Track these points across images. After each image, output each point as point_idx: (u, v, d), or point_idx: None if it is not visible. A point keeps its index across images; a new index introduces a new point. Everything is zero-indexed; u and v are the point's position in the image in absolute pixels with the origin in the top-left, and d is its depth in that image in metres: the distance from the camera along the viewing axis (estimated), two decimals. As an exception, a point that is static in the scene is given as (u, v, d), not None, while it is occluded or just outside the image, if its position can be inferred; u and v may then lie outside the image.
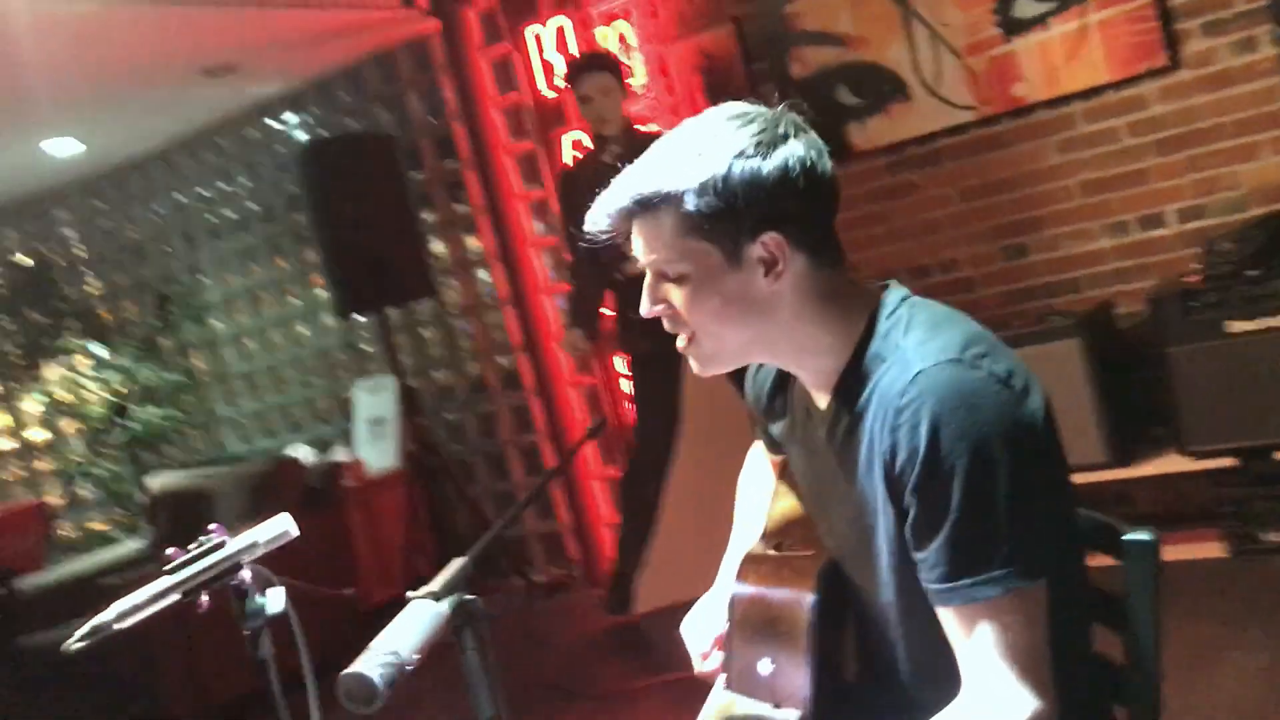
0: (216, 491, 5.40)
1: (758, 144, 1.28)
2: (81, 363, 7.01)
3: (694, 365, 1.40)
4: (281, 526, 1.31)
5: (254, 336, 6.99)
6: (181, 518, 5.51)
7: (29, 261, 7.39)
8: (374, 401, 6.24)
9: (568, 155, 5.02)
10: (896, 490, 1.26)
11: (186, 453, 7.22)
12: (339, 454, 6.11)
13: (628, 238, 1.36)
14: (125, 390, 6.79)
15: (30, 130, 5.84)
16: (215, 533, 1.30)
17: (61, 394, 6.86)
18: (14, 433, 7.36)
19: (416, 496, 5.69)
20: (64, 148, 6.18)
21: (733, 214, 1.28)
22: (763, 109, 1.33)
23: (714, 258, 1.31)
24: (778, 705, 1.35)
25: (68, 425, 7.11)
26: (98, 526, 6.98)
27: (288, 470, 5.36)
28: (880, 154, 4.42)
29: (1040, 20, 3.98)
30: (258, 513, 5.14)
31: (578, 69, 4.50)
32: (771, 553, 1.47)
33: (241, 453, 6.91)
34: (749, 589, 1.41)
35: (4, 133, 5.77)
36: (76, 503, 7.22)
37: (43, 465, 7.39)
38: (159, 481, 5.90)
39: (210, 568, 1.29)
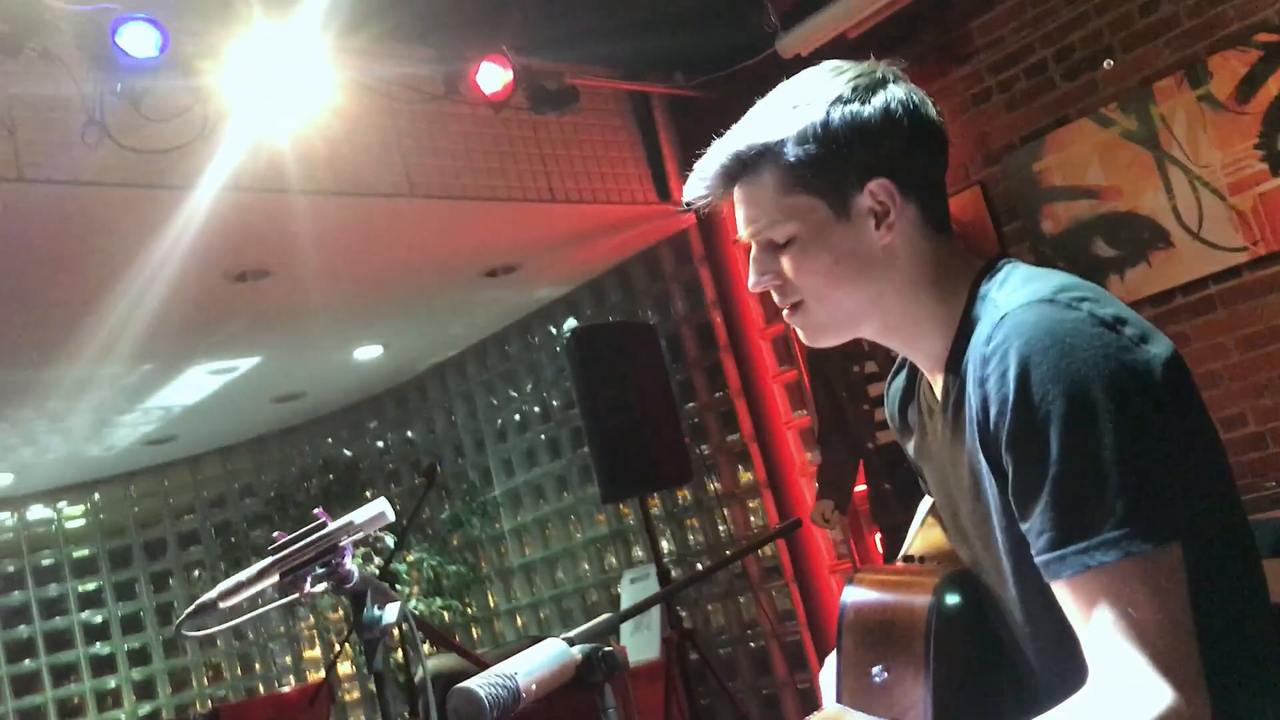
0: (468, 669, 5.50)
1: (855, 89, 1.23)
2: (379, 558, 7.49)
3: (802, 335, 1.31)
4: (378, 508, 1.34)
5: (533, 532, 7.25)
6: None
7: (348, 453, 8.11)
8: (637, 591, 6.25)
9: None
10: (994, 451, 1.11)
11: (467, 644, 7.45)
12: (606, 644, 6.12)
13: (721, 204, 1.30)
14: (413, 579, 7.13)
15: (345, 340, 6.55)
16: (319, 516, 1.34)
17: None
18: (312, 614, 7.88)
19: (675, 688, 5.56)
20: (370, 354, 6.85)
21: (836, 162, 1.21)
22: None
23: (821, 212, 1.22)
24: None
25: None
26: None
27: (547, 649, 5.39)
28: (1145, 305, 4.15)
29: (1311, 150, 3.71)
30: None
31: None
32: (896, 565, 1.34)
33: (512, 642, 7.05)
34: (864, 594, 1.28)
35: (326, 342, 6.49)
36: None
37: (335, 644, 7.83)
38: (432, 664, 6.10)
39: (310, 546, 1.32)
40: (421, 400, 7.87)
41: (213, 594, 1.32)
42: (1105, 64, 4.20)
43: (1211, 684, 1.00)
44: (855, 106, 1.21)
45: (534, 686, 1.49)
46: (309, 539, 1.32)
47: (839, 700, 1.27)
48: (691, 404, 6.05)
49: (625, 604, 6.37)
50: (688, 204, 1.33)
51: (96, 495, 8.40)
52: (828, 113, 1.21)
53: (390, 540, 7.06)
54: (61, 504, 8.40)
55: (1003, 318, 1.11)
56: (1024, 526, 1.09)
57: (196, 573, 8.38)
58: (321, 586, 1.39)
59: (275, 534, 1.35)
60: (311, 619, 8.13)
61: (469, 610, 7.46)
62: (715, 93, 5.13)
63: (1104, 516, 1.02)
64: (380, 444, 8.30)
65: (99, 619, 8.20)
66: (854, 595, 1.29)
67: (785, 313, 1.31)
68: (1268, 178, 3.81)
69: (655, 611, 6.02)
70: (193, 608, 1.30)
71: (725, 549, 6.07)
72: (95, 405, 6.29)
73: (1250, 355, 3.94)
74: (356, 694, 7.95)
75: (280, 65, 3.75)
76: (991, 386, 1.09)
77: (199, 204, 3.87)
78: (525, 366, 7.13)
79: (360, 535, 1.33)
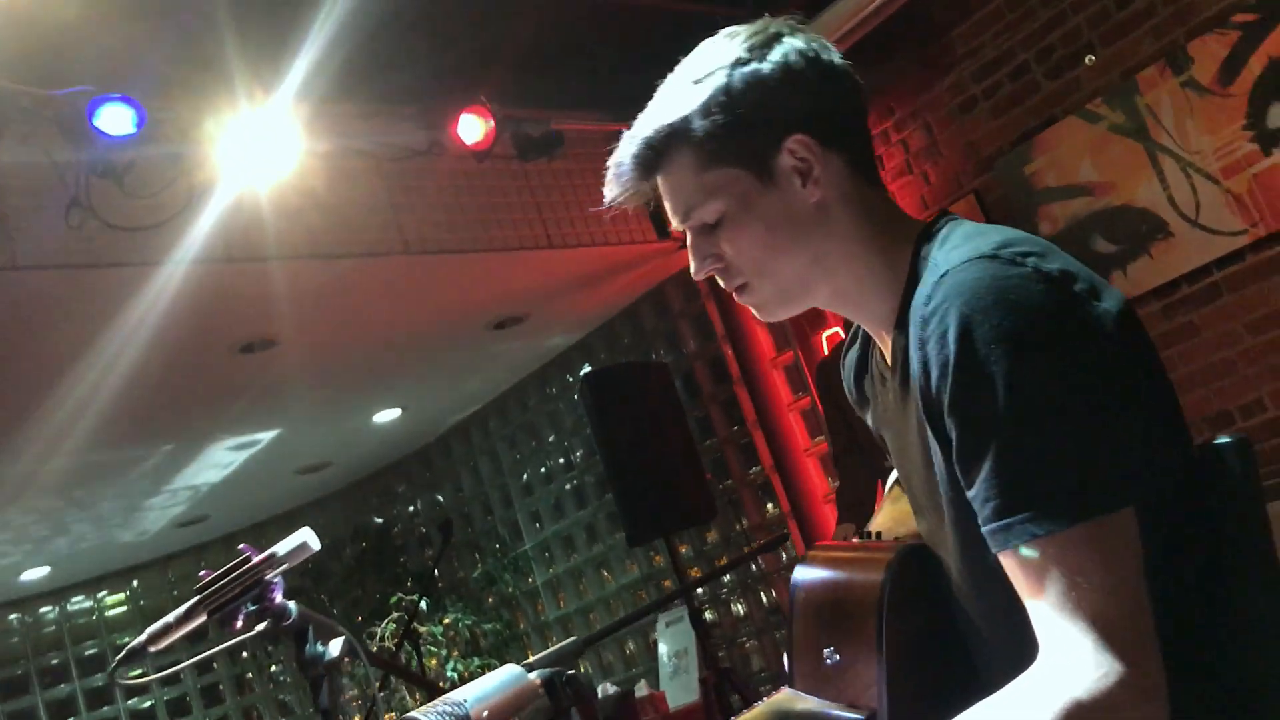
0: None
1: (750, 48, 1.19)
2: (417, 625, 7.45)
3: (757, 314, 1.27)
4: (301, 538, 1.31)
5: (565, 583, 7.19)
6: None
7: (379, 520, 8.10)
8: (673, 635, 6.17)
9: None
10: (936, 416, 1.05)
11: (509, 704, 7.37)
12: (641, 689, 6.03)
13: (654, 202, 1.26)
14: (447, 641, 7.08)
15: (363, 405, 6.57)
16: (244, 550, 1.31)
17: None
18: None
19: (717, 729, 5.46)
20: (390, 416, 6.86)
21: (747, 127, 1.17)
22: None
23: (744, 182, 1.18)
24: (852, 705, 1.14)
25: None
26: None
27: (579, 700, 5.31)
28: (1151, 298, 4.07)
29: (1301, 125, 3.64)
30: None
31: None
32: (852, 541, 1.29)
33: (552, 696, 6.96)
34: (815, 573, 1.23)
35: (343, 409, 6.52)
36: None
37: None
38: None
39: (234, 582, 1.29)
40: (446, 460, 7.87)
41: (142, 638, 1.30)
42: (1087, 60, 4.17)
43: (1167, 654, 0.95)
44: (754, 66, 1.18)
45: (485, 714, 1.45)
46: (232, 575, 1.30)
47: (792, 685, 1.21)
48: (710, 440, 6.00)
49: (663, 650, 6.28)
50: (609, 204, 1.28)
51: (135, 582, 8.44)
52: (728, 78, 1.18)
53: (424, 603, 7.04)
54: (101, 593, 8.45)
55: (942, 276, 1.05)
56: (969, 495, 1.03)
57: (244, 653, 8.38)
58: (264, 624, 1.36)
59: (201, 572, 1.33)
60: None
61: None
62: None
63: (1051, 482, 0.96)
64: (411, 508, 8.30)
65: (146, 704, 8.21)
66: (804, 575, 1.24)
67: (736, 294, 1.26)
68: (1260, 158, 3.74)
69: (692, 653, 5.93)
70: (123, 654, 1.28)
71: (758, 585, 5.99)
72: (121, 490, 6.34)
73: (1262, 339, 3.85)
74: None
75: (262, 134, 3.79)
76: (932, 349, 1.04)
77: (190, 277, 3.90)
78: (545, 417, 7.12)
79: (285, 567, 1.31)
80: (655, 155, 1.22)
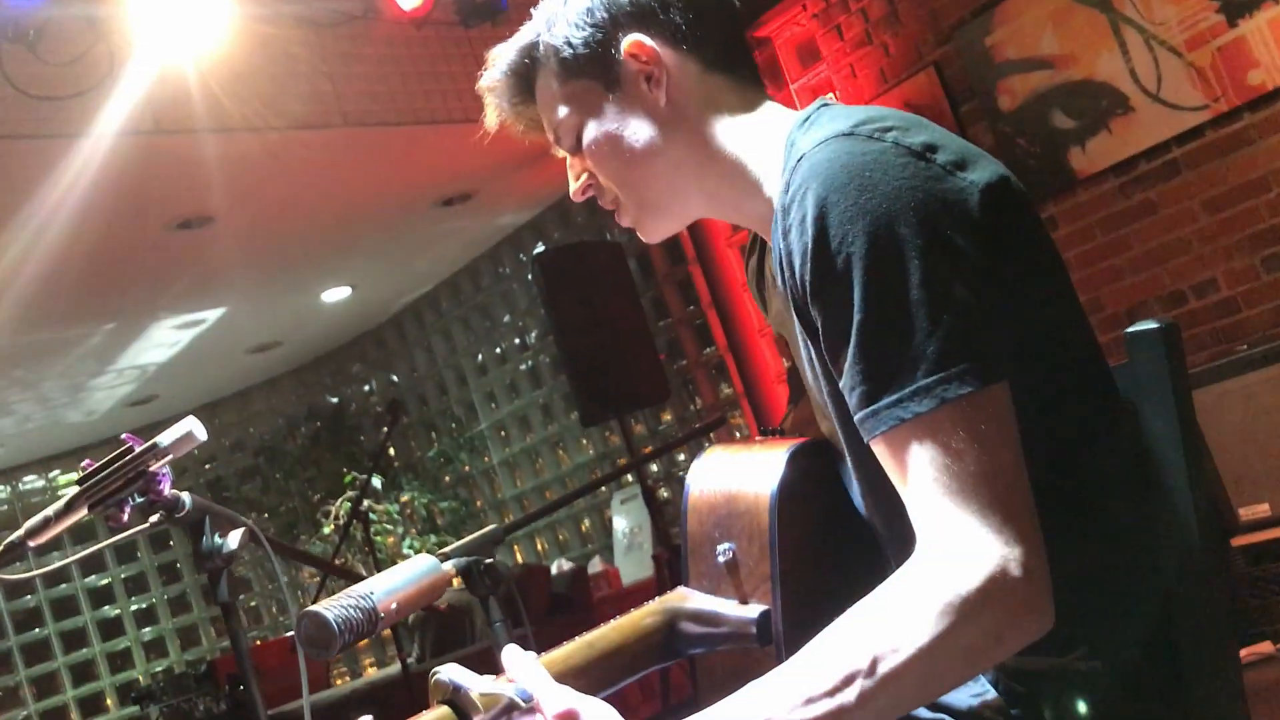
0: (471, 604, 5.47)
1: None
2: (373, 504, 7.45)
3: (641, 235, 1.23)
4: (186, 428, 1.23)
5: (522, 462, 7.19)
6: (444, 632, 5.62)
7: (334, 399, 8.04)
8: (628, 511, 6.21)
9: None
10: (803, 306, 1.00)
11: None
12: (595, 566, 6.09)
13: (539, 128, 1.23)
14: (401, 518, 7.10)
15: (309, 283, 6.43)
16: (127, 440, 1.24)
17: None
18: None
19: (669, 604, 5.54)
20: (339, 295, 6.73)
21: (594, 36, 1.15)
22: None
23: (595, 92, 1.16)
24: (743, 601, 1.09)
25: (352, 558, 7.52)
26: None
27: (534, 578, 5.36)
28: (1109, 175, 4.00)
29: (1268, -5, 3.53)
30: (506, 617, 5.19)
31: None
32: (751, 439, 1.23)
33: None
34: (709, 471, 1.17)
35: (289, 287, 6.38)
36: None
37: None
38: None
39: (116, 474, 1.22)
40: (400, 340, 7.78)
41: (20, 533, 1.22)
42: (1053, -75, 4.00)
43: (1050, 532, 0.90)
44: None
45: (394, 605, 1.39)
46: (114, 466, 1.22)
47: (686, 583, 1.16)
48: (665, 320, 5.93)
49: (617, 527, 6.33)
50: (490, 130, 1.26)
51: (86, 461, 8.33)
52: None
53: (378, 482, 7.03)
54: (54, 472, 8.38)
55: (799, 160, 1.00)
56: (840, 385, 0.98)
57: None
58: (155, 517, 1.29)
59: (84, 462, 1.25)
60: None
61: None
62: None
63: (916, 362, 0.90)
64: (366, 388, 8.24)
65: (104, 582, 8.22)
66: (699, 472, 1.18)
67: (616, 216, 1.23)
68: (1225, 30, 3.63)
69: (646, 530, 5.98)
70: (2, 547, 1.21)
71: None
72: (63, 370, 6.21)
73: (1217, 217, 3.79)
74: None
75: (185, -4, 3.59)
76: (794, 237, 0.98)
77: (117, 149, 3.73)
78: (499, 297, 7.02)
79: (170, 457, 1.23)
80: (519, 78, 1.21)
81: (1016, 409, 0.92)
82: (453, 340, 7.38)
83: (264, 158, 4.34)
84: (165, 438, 1.22)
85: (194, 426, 1.22)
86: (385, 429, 6.94)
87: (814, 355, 1.05)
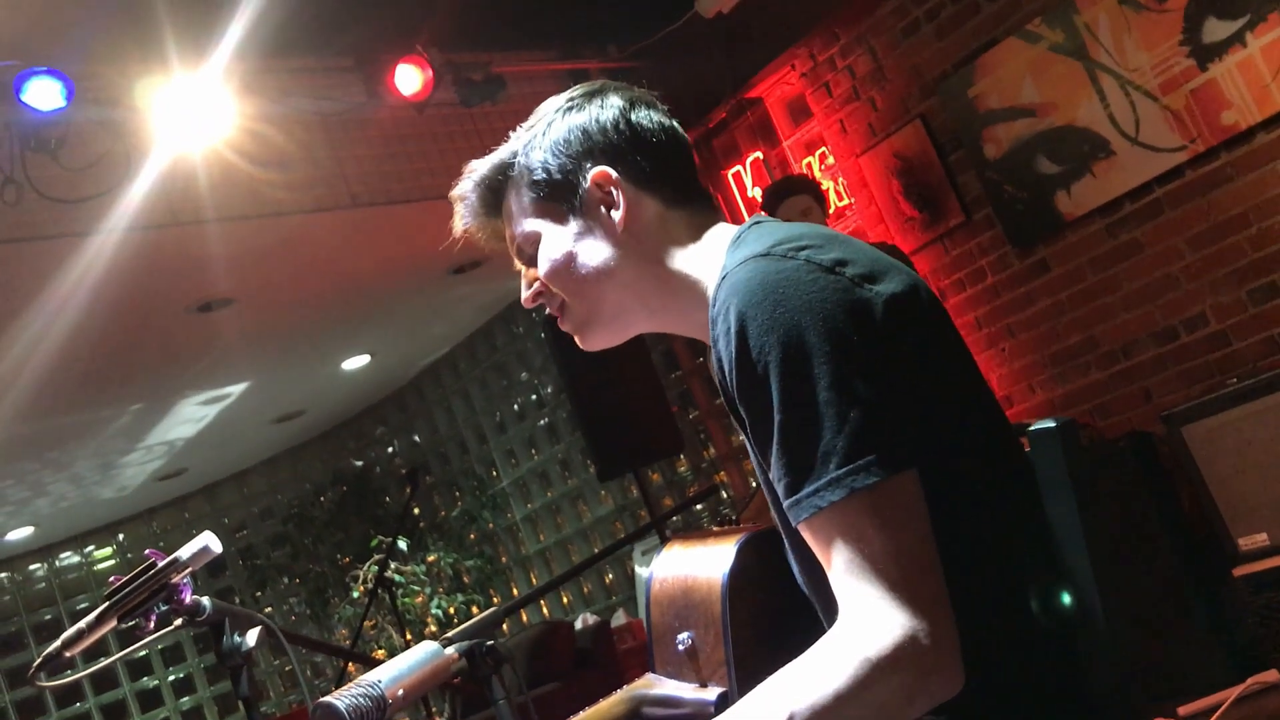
0: (499, 661, 5.55)
1: (574, 98, 1.33)
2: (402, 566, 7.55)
3: (579, 342, 1.35)
4: (202, 543, 1.36)
5: (544, 517, 7.29)
6: (471, 694, 5.70)
7: (358, 463, 8.18)
8: (649, 563, 6.29)
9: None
10: (733, 405, 1.13)
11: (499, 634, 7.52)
12: (619, 618, 6.17)
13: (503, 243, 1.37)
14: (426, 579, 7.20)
15: (329, 353, 6.59)
16: (149, 556, 1.36)
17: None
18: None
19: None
20: (359, 364, 6.89)
21: (563, 164, 1.29)
22: None
23: (557, 213, 1.30)
24: (704, 684, 1.20)
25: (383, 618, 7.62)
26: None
27: (558, 634, 5.44)
28: (1095, 217, 4.10)
29: (1235, 40, 3.64)
30: (532, 674, 5.28)
31: (775, 195, 4.54)
32: (709, 530, 1.34)
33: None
34: (669, 564, 1.29)
35: (310, 359, 6.54)
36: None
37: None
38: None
39: (142, 587, 1.34)
40: (420, 402, 7.93)
41: (57, 644, 1.35)
42: (1025, -21, 4.13)
43: (963, 608, 1.00)
44: (575, 113, 1.31)
45: (400, 692, 1.50)
46: (139, 581, 1.34)
47: (653, 670, 1.27)
48: (675, 373, 6.05)
49: (640, 578, 6.41)
50: (458, 234, 1.40)
51: (121, 535, 8.54)
52: (550, 122, 1.31)
53: (403, 545, 7.15)
54: (89, 548, 8.55)
55: (724, 278, 1.13)
56: (770, 477, 1.10)
57: (236, 599, 8.50)
58: (178, 621, 1.41)
59: (111, 578, 1.37)
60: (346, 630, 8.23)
61: (494, 601, 7.53)
62: (648, 61, 5.10)
63: (828, 456, 1.02)
64: (390, 449, 8.38)
65: (141, 653, 8.35)
66: (659, 565, 1.29)
67: (560, 322, 1.35)
68: (1196, 73, 3.74)
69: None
70: (40, 660, 1.33)
71: (729, 510, 6.09)
72: (94, 450, 6.38)
73: (1203, 254, 3.88)
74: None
75: (198, 97, 3.76)
76: (720, 346, 1.11)
77: (138, 242, 3.90)
78: (514, 356, 7.16)
79: (190, 570, 1.35)
80: (490, 192, 1.35)
81: (927, 493, 1.03)
82: (471, 400, 7.52)
83: (277, 242, 4.51)
84: (184, 552, 1.34)
85: (210, 541, 1.34)
86: (408, 493, 7.08)
87: (751, 448, 1.16)
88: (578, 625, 5.73)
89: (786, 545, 1.21)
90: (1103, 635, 1.03)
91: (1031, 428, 1.11)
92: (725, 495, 6.02)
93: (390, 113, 4.43)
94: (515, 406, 7.29)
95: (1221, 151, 3.77)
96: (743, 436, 1.35)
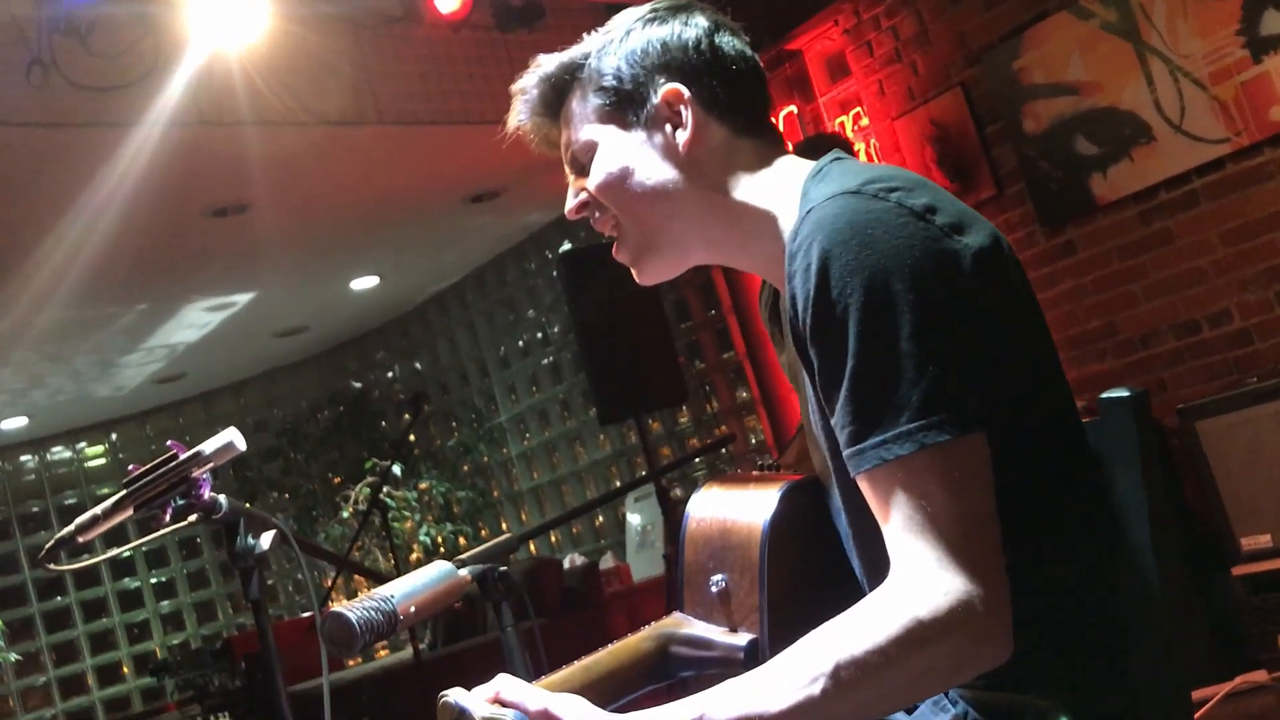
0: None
1: (657, 8, 1.26)
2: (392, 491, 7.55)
3: (635, 274, 1.29)
4: (227, 438, 1.32)
5: (539, 456, 7.29)
6: (457, 622, 5.72)
7: (357, 385, 8.17)
8: (642, 509, 6.29)
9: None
10: (803, 348, 1.09)
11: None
12: (607, 561, 6.18)
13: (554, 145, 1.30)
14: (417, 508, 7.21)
15: (338, 271, 6.54)
16: (171, 447, 1.33)
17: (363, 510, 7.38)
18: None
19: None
20: (367, 284, 6.84)
21: (634, 74, 1.23)
22: None
23: (619, 123, 1.24)
24: (734, 629, 1.18)
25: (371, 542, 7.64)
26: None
27: (546, 571, 5.45)
28: (1129, 203, 4.05)
29: (1293, 33, 3.57)
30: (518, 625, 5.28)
31: (806, 151, 4.47)
32: (749, 473, 1.32)
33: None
34: (707, 504, 1.26)
35: (319, 275, 6.49)
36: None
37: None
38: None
39: (161, 478, 1.31)
40: (425, 330, 7.89)
41: (70, 529, 1.32)
42: (1084, -47, 4.05)
43: (1019, 575, 0.98)
44: (655, 25, 1.25)
45: (413, 608, 1.48)
46: (159, 472, 1.31)
47: (682, 609, 1.25)
48: (686, 323, 6.01)
49: (631, 524, 6.41)
50: (510, 130, 1.33)
51: (114, 435, 8.53)
52: (629, 30, 1.26)
53: (397, 469, 7.14)
54: (80, 444, 8.54)
55: (808, 212, 1.08)
56: (832, 423, 1.07)
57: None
58: (194, 517, 1.39)
59: (130, 466, 1.34)
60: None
61: (482, 534, 7.54)
62: None
63: (900, 409, 0.99)
64: (389, 374, 8.35)
65: (125, 554, 8.37)
66: (697, 505, 1.27)
67: (615, 248, 1.29)
68: (1249, 65, 3.68)
69: (659, 528, 6.06)
70: (51, 543, 1.31)
71: (726, 466, 6.08)
72: (95, 346, 6.35)
73: (1234, 250, 3.84)
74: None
75: (231, -7, 3.69)
76: (798, 283, 1.06)
77: (161, 139, 3.84)
78: (524, 292, 7.12)
79: (211, 465, 1.32)
80: (553, 90, 1.27)
81: (993, 458, 1.00)
82: (476, 332, 7.49)
83: (301, 152, 4.44)
84: (208, 446, 1.31)
85: (235, 437, 1.31)
86: (408, 418, 7.07)
87: (811, 391, 1.13)
88: (565, 565, 5.74)
89: (834, 494, 1.18)
90: (1159, 610, 1.01)
91: (1103, 396, 1.07)
92: (724, 451, 6.01)
93: (424, 30, 4.35)
94: (520, 343, 7.26)
95: (1265, 147, 3.72)
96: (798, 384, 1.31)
